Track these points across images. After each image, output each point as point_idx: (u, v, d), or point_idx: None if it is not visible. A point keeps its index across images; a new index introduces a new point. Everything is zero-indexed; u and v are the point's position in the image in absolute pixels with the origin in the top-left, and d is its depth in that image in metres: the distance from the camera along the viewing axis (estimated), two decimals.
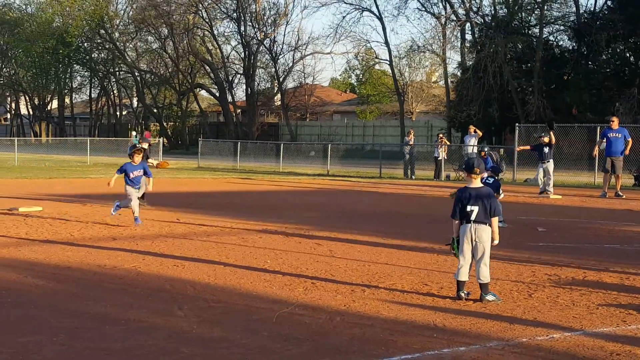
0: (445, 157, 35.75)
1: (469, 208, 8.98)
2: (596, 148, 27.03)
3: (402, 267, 11.28)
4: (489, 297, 8.91)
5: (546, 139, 23.87)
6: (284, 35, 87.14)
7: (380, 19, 66.90)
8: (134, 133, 62.97)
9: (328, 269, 11.01)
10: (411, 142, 36.88)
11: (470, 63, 56.82)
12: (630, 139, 24.68)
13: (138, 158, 16.16)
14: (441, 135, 38.97)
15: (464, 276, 9.01)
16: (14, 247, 12.55)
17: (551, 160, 23.96)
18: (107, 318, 7.96)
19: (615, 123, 24.78)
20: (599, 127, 29.09)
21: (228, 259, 11.72)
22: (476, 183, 9.15)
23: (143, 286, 9.59)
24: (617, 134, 24.59)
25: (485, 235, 8.95)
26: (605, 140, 24.96)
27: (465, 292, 9.03)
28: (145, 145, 20.37)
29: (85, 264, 11.08)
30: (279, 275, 10.43)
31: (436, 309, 8.60)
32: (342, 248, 13.14)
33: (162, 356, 6.64)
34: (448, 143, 38.51)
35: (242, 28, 74.30)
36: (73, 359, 6.54)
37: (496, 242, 9.10)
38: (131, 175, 15.93)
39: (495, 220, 9.04)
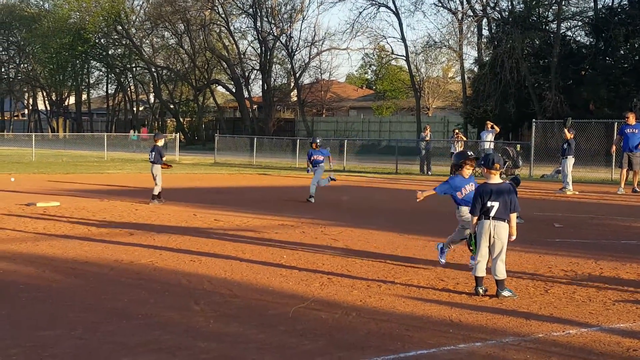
0: None
1: (489, 204, 8.95)
2: (614, 147, 26.93)
3: (418, 262, 11.28)
4: (505, 293, 8.90)
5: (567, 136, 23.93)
6: (300, 31, 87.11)
7: (396, 14, 66.72)
8: (131, 132, 63.27)
9: (344, 264, 11.02)
10: (427, 138, 36.82)
11: (487, 59, 56.64)
12: None
13: None
14: (457, 130, 38.89)
15: (481, 272, 9.01)
16: (31, 242, 12.62)
17: (568, 157, 23.90)
18: (124, 313, 8.00)
19: (631, 118, 24.66)
20: (616, 123, 28.97)
21: (244, 254, 11.75)
22: (496, 179, 9.13)
23: (160, 281, 9.63)
24: (634, 130, 24.47)
25: (503, 232, 8.93)
26: (622, 137, 24.87)
27: (483, 288, 9.02)
28: (160, 143, 20.24)
29: (102, 259, 11.13)
30: (295, 271, 10.45)
31: (452, 304, 8.60)
32: (358, 243, 13.15)
33: (179, 351, 6.67)
34: (464, 138, 38.40)
35: (259, 24, 74.40)
36: (90, 353, 6.58)
37: (513, 237, 9.08)
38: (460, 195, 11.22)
39: (513, 216, 9.02)
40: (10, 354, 6.47)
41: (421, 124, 59.80)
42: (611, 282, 9.97)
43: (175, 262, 10.95)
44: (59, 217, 16.13)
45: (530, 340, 7.22)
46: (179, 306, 8.33)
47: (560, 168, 24.62)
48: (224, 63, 77.83)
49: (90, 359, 6.42)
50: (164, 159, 20.07)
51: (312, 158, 21.34)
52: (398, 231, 14.76)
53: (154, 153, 19.90)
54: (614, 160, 30.26)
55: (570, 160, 24.06)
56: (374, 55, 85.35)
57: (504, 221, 8.94)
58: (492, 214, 8.94)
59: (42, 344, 6.79)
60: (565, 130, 24.14)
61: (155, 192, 19.52)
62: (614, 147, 26.74)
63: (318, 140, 21.94)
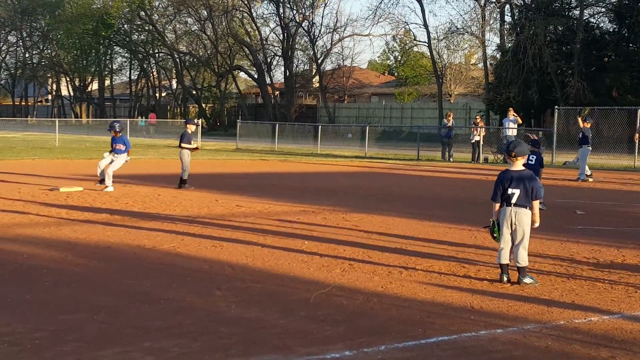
0: (482, 140, 35.49)
1: (510, 191, 8.94)
2: (637, 135, 26.78)
3: (440, 249, 11.28)
4: (527, 280, 8.89)
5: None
6: (322, 17, 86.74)
7: (419, 0, 66.46)
8: (139, 118, 63.45)
9: (365, 250, 11.03)
10: (449, 124, 36.72)
11: (510, 45, 56.29)
12: None
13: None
14: (479, 117, 38.78)
15: (505, 259, 9.00)
16: (55, 227, 12.71)
17: (584, 146, 23.74)
18: (147, 297, 8.05)
19: None
20: (639, 110, 28.79)
21: (266, 240, 11.78)
22: (518, 165, 9.10)
23: (182, 266, 9.68)
24: None
25: (525, 218, 8.92)
26: None
27: (507, 276, 8.99)
28: (191, 129, 20.37)
29: (124, 244, 11.19)
30: (317, 257, 10.47)
31: (473, 291, 8.60)
32: (380, 230, 13.15)
33: (201, 335, 6.71)
34: (482, 125, 37.96)
35: (281, 10, 74.35)
36: (113, 337, 6.63)
37: (537, 224, 9.06)
38: None
39: (536, 203, 9.00)
40: (34, 338, 6.53)
41: (443, 111, 59.59)
42: (633, 270, 9.93)
43: (197, 248, 11.00)
44: (81, 202, 16.22)
45: (552, 327, 7.21)
46: (201, 291, 8.37)
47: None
48: (246, 49, 77.80)
49: (112, 343, 6.47)
50: (187, 145, 20.10)
51: (114, 146, 19.30)
52: (419, 218, 14.75)
53: (181, 138, 20.11)
54: (637, 147, 30.10)
55: (585, 150, 23.88)
56: (397, 41, 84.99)
57: (526, 208, 8.92)
58: (513, 200, 8.93)
59: (65, 328, 6.85)
60: (579, 120, 24.03)
61: (184, 177, 19.62)
62: (637, 135, 26.57)
63: (117, 126, 19.50)
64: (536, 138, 17.14)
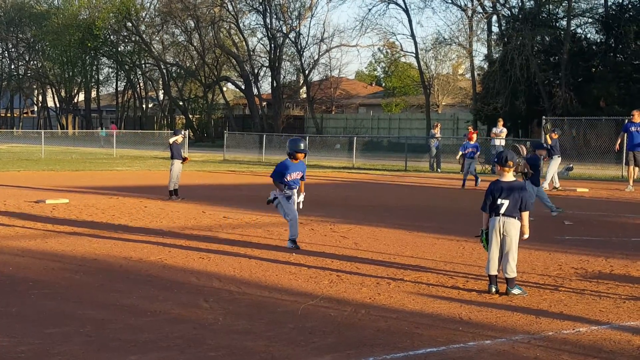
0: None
1: (499, 201, 8.94)
2: (618, 142, 26.90)
3: (428, 260, 11.26)
4: (515, 291, 8.87)
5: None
6: (309, 27, 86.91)
7: (406, 11, 66.66)
8: (99, 129, 63.54)
9: (353, 261, 11.01)
10: (437, 135, 36.74)
11: (497, 55, 56.47)
12: None
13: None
14: (471, 129, 38.88)
15: (493, 270, 8.98)
16: (41, 239, 12.64)
17: (554, 157, 23.65)
18: (134, 310, 8.00)
19: (636, 116, 24.57)
20: (626, 120, 28.89)
21: (253, 251, 11.74)
22: (508, 177, 9.08)
23: (169, 278, 9.63)
24: (638, 128, 24.40)
25: (513, 229, 8.90)
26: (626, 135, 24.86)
27: (496, 287, 8.97)
28: (180, 139, 20.24)
29: (111, 256, 11.14)
30: (304, 268, 10.44)
31: (462, 301, 8.58)
32: (368, 241, 13.13)
33: (188, 348, 6.66)
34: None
35: (268, 21, 74.46)
36: (100, 350, 6.58)
37: (526, 236, 9.04)
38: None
39: (525, 215, 8.98)
40: (19, 351, 6.48)
41: (431, 121, 59.72)
42: (621, 280, 9.93)
43: (185, 260, 10.95)
44: (68, 214, 16.15)
45: (540, 338, 7.19)
46: (188, 303, 8.33)
47: (570, 165, 24.55)
48: (233, 60, 77.88)
49: (99, 356, 6.42)
50: (178, 156, 20.07)
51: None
52: (407, 229, 14.74)
53: (170, 150, 20.04)
54: (623, 157, 30.17)
55: (556, 160, 23.84)
56: (384, 51, 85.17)
57: (515, 218, 8.90)
58: (502, 211, 8.92)
59: (51, 341, 6.79)
60: (547, 137, 24.07)
61: (171, 188, 19.56)
62: (617, 145, 26.66)
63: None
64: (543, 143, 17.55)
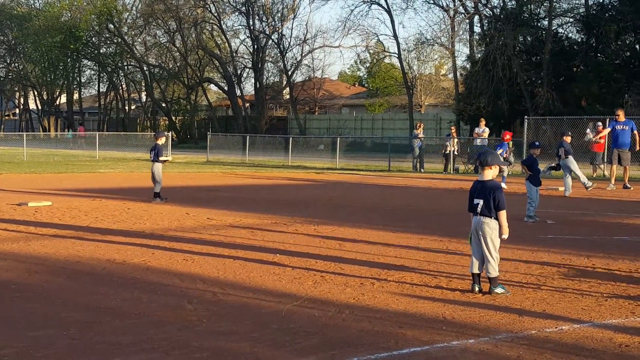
0: (455, 151, 35.64)
1: (475, 201, 9.01)
2: (600, 135, 27.13)
3: (411, 260, 11.28)
4: (498, 290, 8.91)
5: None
6: (292, 29, 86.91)
7: (388, 12, 66.77)
8: (66, 130, 63.51)
9: (337, 262, 11.01)
10: (420, 135, 36.83)
11: (479, 56, 56.66)
12: (637, 131, 24.66)
13: None
14: (453, 128, 39.01)
15: (476, 269, 9.01)
16: (23, 242, 12.59)
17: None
18: (117, 312, 7.99)
19: (621, 115, 24.76)
20: (608, 119, 29.06)
21: (237, 252, 11.74)
22: (487, 176, 9.12)
23: (153, 280, 9.61)
24: (624, 126, 24.56)
25: (487, 228, 8.92)
26: (591, 132, 25.11)
27: (479, 286, 9.01)
28: (161, 141, 20.14)
29: (94, 259, 11.11)
30: (288, 269, 10.44)
31: (445, 301, 8.61)
32: (352, 241, 13.15)
33: (172, 350, 6.66)
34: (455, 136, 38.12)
35: (251, 22, 74.42)
36: (84, 353, 6.57)
37: (505, 236, 9.05)
38: None
39: (502, 214, 8.99)
40: (2, 355, 6.45)
41: (414, 121, 59.85)
42: (603, 278, 9.99)
43: (168, 262, 10.94)
44: (50, 216, 16.09)
45: (523, 336, 7.23)
46: (172, 305, 8.32)
47: (553, 165, 24.55)
48: (216, 61, 77.77)
49: (83, 359, 6.40)
50: (161, 158, 20.01)
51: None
52: (391, 229, 14.76)
53: (153, 152, 19.84)
54: (605, 156, 30.33)
55: (572, 160, 23.88)
56: (369, 51, 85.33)
57: (490, 217, 8.94)
58: (478, 210, 8.98)
59: (34, 344, 6.77)
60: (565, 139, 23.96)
61: (157, 190, 19.52)
62: (599, 138, 26.92)
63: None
64: (535, 142, 17.79)
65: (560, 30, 56.56)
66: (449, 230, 14.24)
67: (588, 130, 31.06)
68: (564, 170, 22.43)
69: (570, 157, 22.54)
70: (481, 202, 8.95)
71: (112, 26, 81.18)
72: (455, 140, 36.09)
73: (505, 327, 7.54)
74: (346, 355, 6.57)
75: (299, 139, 54.24)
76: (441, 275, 10.10)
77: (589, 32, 52.21)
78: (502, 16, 54.97)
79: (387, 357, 6.56)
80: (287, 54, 76.10)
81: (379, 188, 26.34)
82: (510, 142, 33.86)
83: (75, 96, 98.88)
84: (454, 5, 61.31)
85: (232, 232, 14.14)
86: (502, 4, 57.12)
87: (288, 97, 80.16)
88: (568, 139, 23.10)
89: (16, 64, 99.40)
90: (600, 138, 28.65)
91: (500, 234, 9.01)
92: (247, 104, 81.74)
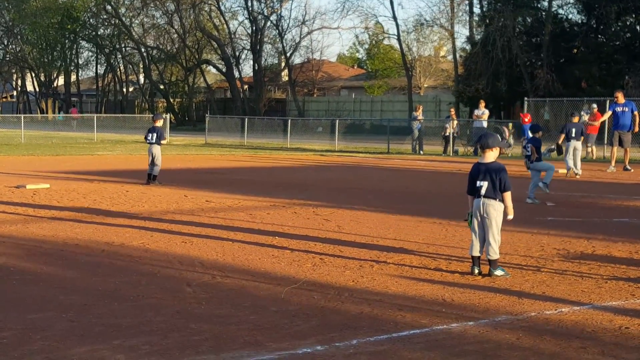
0: (454, 133, 35.57)
1: (478, 183, 8.96)
2: (604, 117, 27.08)
3: (411, 242, 11.26)
4: (498, 272, 8.90)
5: None
6: (291, 10, 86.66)
7: None
8: (57, 113, 63.45)
9: (336, 244, 10.99)
10: (419, 117, 36.77)
11: (479, 37, 56.59)
12: (637, 112, 24.58)
13: None
14: (452, 110, 38.94)
15: (476, 251, 8.99)
16: (21, 224, 12.57)
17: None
18: (116, 295, 7.97)
19: (620, 97, 24.70)
20: (608, 101, 29.00)
21: (236, 235, 11.71)
22: (488, 158, 9.09)
23: (151, 263, 9.59)
24: (624, 108, 24.50)
25: (492, 210, 8.91)
26: (586, 114, 25.12)
27: (478, 268, 8.99)
28: (159, 123, 20.06)
29: (93, 241, 11.08)
30: (287, 252, 10.42)
31: (444, 283, 8.59)
32: (350, 224, 13.13)
33: (171, 332, 6.64)
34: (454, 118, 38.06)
35: (249, 3, 74.20)
36: (82, 335, 6.54)
37: (510, 217, 9.05)
38: None
39: (507, 195, 8.97)
40: (1, 337, 6.43)
41: (413, 103, 59.75)
42: (603, 260, 9.97)
43: (167, 244, 10.91)
44: (49, 199, 16.06)
45: (523, 319, 7.21)
46: (171, 288, 8.30)
47: (553, 147, 24.53)
48: (215, 43, 77.59)
49: (81, 341, 6.38)
50: (163, 141, 19.98)
51: None
52: (390, 211, 14.74)
53: (154, 134, 19.70)
54: (605, 138, 30.31)
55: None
56: (367, 33, 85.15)
57: (495, 199, 8.92)
58: (482, 192, 8.94)
59: (33, 327, 6.75)
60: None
61: (156, 173, 19.47)
62: (603, 117, 26.89)
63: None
64: (537, 125, 17.88)
65: (560, 11, 56.45)
66: (448, 212, 14.21)
67: (583, 112, 30.99)
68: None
69: (572, 142, 22.46)
70: (485, 184, 8.91)
71: (110, 7, 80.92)
72: (455, 122, 36.01)
73: (504, 310, 7.52)
74: (345, 337, 6.55)
75: (298, 121, 54.11)
76: (440, 257, 10.08)
77: (589, 13, 52.09)
78: None
79: (387, 340, 6.54)
80: (285, 36, 76.01)
81: (378, 170, 26.32)
82: (510, 124, 33.88)
83: (73, 78, 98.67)
84: None
85: (231, 214, 14.12)
86: None
87: (287, 79, 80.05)
88: (576, 119, 23.08)
89: (13, 46, 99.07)
90: (595, 120, 28.56)
91: (506, 214, 8.99)
92: (246, 86, 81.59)
